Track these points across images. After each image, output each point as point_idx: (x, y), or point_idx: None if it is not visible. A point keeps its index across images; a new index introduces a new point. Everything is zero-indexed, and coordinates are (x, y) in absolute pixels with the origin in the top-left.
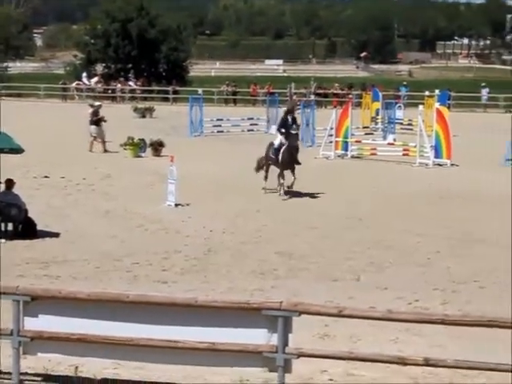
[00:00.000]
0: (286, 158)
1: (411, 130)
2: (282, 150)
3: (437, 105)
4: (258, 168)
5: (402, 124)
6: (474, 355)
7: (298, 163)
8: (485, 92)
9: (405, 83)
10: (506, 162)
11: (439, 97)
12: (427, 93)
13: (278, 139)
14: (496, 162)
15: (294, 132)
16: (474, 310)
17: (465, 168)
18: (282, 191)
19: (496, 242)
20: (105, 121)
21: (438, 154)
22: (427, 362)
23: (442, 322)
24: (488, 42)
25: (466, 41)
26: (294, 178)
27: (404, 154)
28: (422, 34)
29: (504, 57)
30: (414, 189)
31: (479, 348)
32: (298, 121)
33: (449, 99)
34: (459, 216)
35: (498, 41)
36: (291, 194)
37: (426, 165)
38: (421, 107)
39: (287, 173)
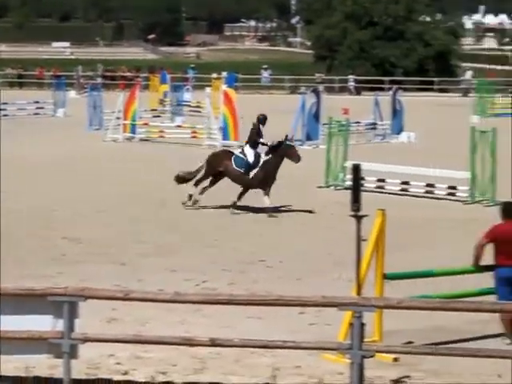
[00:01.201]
0: (260, 177)
1: (199, 112)
2: (259, 168)
3: (224, 87)
4: (185, 180)
5: (190, 106)
6: (262, 334)
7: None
8: (267, 74)
9: (192, 65)
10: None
11: (226, 79)
12: (214, 75)
13: (252, 153)
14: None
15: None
16: (260, 290)
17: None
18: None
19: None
20: None
21: (225, 136)
22: (214, 343)
23: (229, 302)
24: (274, 24)
25: (252, 23)
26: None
27: (192, 137)
28: (209, 16)
29: (289, 39)
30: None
31: (267, 326)
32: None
33: (236, 81)
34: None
35: (284, 23)
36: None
37: (215, 146)
38: (208, 89)
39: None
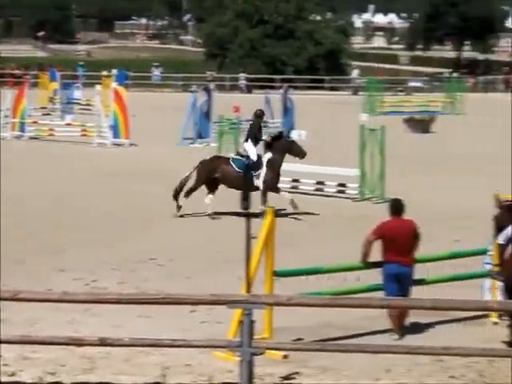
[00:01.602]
0: (272, 177)
1: (90, 110)
2: (267, 167)
3: (114, 85)
4: (178, 193)
5: (80, 104)
6: (152, 333)
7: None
8: (158, 72)
9: (81, 63)
10: (182, 140)
11: (117, 77)
12: (105, 73)
13: (254, 151)
14: (174, 140)
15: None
16: (150, 288)
17: (144, 147)
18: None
19: (169, 219)
20: None
21: (116, 134)
22: (103, 342)
23: (118, 302)
24: (165, 22)
25: (143, 21)
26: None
27: (82, 135)
28: (99, 13)
29: (181, 37)
30: (91, 168)
31: (157, 325)
32: None
33: (126, 79)
34: (136, 192)
35: (175, 21)
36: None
37: (105, 144)
38: (98, 87)
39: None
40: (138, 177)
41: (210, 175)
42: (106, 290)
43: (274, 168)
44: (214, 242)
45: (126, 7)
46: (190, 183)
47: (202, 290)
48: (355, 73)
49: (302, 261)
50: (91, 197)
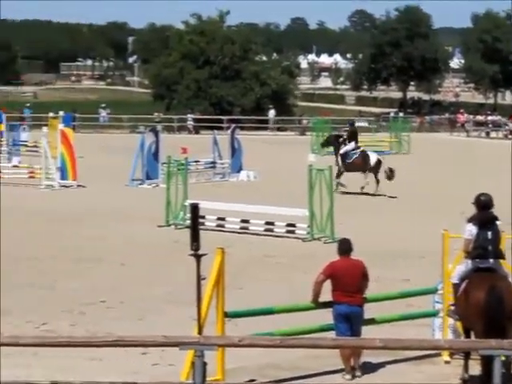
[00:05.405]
0: None
1: (37, 151)
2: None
3: (61, 126)
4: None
5: (27, 146)
6: (103, 375)
7: None
8: (105, 113)
9: (28, 105)
10: (131, 181)
11: (64, 118)
12: (51, 114)
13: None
14: (122, 181)
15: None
16: (101, 331)
17: (92, 189)
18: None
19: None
20: None
21: (63, 176)
22: None
23: (69, 345)
24: (111, 63)
25: (89, 62)
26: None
27: (30, 177)
28: (45, 54)
29: (127, 78)
30: (38, 211)
31: (108, 367)
32: None
33: (73, 120)
34: (84, 235)
35: (121, 62)
36: None
37: (53, 186)
38: (45, 129)
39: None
40: (84, 218)
41: None
42: (56, 333)
43: None
44: (162, 283)
45: (71, 48)
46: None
47: (153, 332)
48: (271, 113)
49: (253, 301)
50: (32, 239)
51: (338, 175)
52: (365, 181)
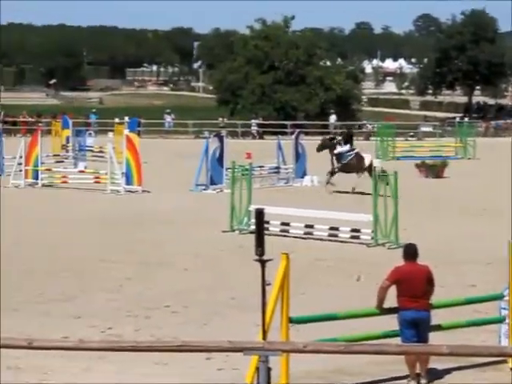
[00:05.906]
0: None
1: (102, 157)
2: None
3: (126, 132)
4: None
5: (92, 151)
6: (168, 379)
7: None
8: (170, 118)
9: (94, 110)
10: (195, 186)
11: (129, 124)
12: (117, 120)
13: None
14: (187, 187)
15: None
16: (165, 335)
17: (156, 194)
18: None
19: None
20: None
21: (129, 181)
22: None
23: (133, 349)
24: (176, 69)
25: (154, 68)
26: None
27: (95, 182)
28: (110, 60)
29: (192, 83)
30: (104, 215)
31: (173, 372)
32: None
33: (139, 126)
34: (149, 240)
35: (186, 68)
36: None
37: (118, 191)
38: (111, 134)
39: None
40: (149, 222)
41: None
42: (121, 337)
43: None
44: (226, 288)
45: (137, 54)
46: None
47: (217, 337)
48: (332, 118)
49: (318, 306)
50: (98, 243)
51: (331, 174)
52: (356, 181)
